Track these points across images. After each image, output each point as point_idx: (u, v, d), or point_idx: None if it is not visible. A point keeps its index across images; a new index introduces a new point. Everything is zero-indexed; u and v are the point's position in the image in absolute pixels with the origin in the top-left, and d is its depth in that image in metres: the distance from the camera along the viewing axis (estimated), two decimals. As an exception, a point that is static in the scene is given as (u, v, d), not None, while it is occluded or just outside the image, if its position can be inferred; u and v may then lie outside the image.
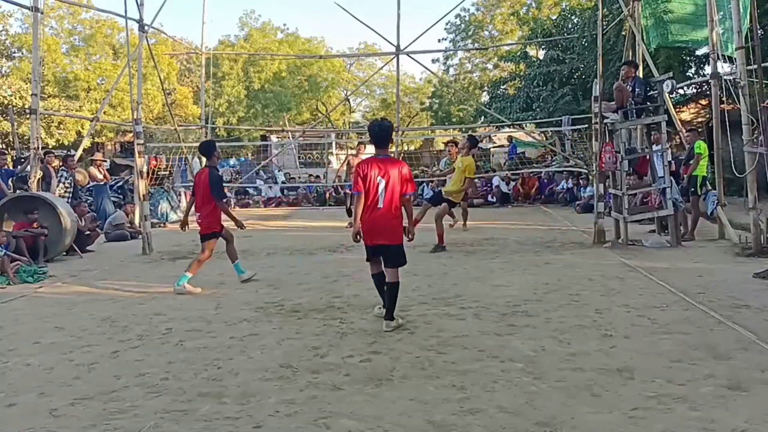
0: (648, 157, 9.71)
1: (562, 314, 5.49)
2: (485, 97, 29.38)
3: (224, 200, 7.26)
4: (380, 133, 5.45)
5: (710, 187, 10.29)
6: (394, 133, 6.03)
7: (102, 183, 13.68)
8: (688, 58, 18.32)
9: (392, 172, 5.34)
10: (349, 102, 35.90)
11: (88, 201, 13.32)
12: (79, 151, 13.58)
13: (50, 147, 21.62)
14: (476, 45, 32.55)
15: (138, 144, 10.59)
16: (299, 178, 22.56)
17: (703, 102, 18.75)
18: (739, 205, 10.23)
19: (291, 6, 60.04)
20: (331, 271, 7.94)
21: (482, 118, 23.66)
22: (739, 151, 8.71)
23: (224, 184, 7.69)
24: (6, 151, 12.62)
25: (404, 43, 17.44)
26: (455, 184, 10.18)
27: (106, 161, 16.45)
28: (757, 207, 8.19)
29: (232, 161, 24.91)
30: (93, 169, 13.68)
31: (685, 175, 10.00)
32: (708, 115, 15.63)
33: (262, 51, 32.70)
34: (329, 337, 5.00)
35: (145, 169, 10.99)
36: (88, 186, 13.75)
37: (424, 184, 19.26)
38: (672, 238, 9.21)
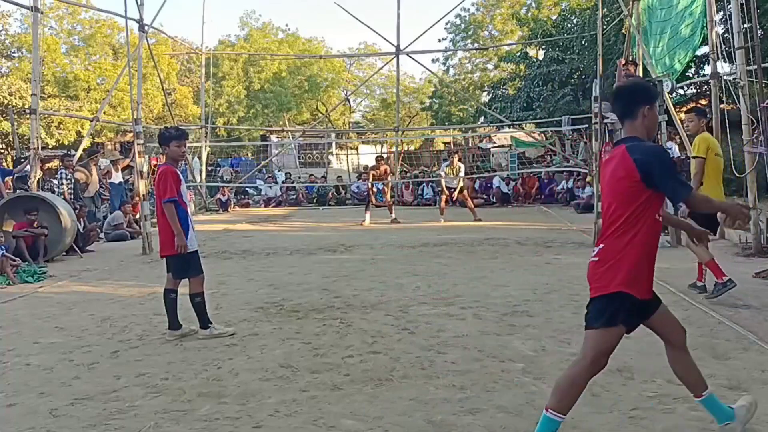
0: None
1: (562, 314, 5.48)
2: (485, 97, 29.38)
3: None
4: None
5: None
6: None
7: (118, 183, 14.06)
8: (687, 59, 18.31)
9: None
10: (349, 102, 35.84)
11: (109, 199, 13.63)
12: (79, 151, 13.62)
13: (50, 147, 21.64)
14: (476, 45, 32.54)
15: (138, 144, 10.60)
16: (299, 177, 22.57)
17: (703, 102, 18.74)
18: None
19: (291, 6, 59.96)
20: (331, 271, 7.93)
21: (482, 118, 23.67)
22: (739, 151, 8.71)
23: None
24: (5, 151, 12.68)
25: (404, 43, 17.50)
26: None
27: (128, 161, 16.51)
28: (757, 207, 8.18)
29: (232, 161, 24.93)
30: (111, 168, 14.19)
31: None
32: (708, 115, 15.62)
33: (262, 51, 32.69)
34: (329, 337, 4.99)
35: (145, 169, 11.00)
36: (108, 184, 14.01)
37: (424, 184, 19.27)
38: (672, 238, 9.21)
